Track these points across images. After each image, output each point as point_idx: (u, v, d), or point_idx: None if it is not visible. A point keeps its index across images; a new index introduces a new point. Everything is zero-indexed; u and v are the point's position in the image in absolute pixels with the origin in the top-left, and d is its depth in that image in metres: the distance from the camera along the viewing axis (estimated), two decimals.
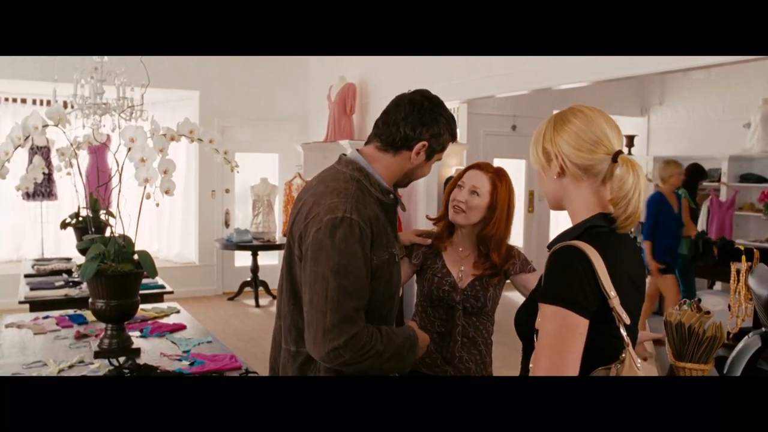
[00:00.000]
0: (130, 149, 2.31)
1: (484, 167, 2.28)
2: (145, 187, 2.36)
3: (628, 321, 1.31)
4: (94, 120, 4.19)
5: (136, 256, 2.62)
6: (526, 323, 1.43)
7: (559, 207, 1.48)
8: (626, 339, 1.32)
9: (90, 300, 2.59)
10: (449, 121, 1.86)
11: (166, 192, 2.27)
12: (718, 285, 7.23)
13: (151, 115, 2.89)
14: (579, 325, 1.29)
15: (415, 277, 2.37)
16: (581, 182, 1.42)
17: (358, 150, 1.87)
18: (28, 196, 7.17)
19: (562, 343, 1.28)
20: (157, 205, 2.25)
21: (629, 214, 1.38)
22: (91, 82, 4.11)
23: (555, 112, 1.55)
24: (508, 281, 2.34)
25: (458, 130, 8.93)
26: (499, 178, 2.25)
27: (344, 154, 1.89)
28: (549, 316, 1.30)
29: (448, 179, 6.69)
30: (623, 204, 1.37)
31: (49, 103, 6.78)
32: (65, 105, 5.04)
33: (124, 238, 2.64)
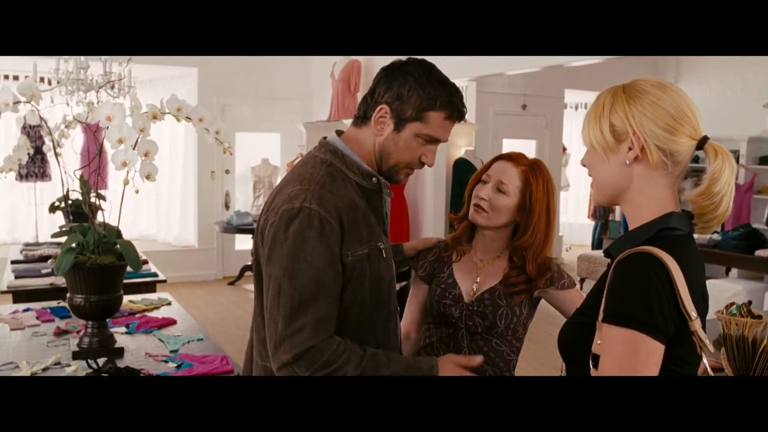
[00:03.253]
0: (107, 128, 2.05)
1: (515, 158, 1.85)
2: (128, 172, 2.11)
3: (711, 349, 1.07)
4: (78, 97, 3.93)
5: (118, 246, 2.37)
6: (575, 344, 1.18)
7: (613, 201, 1.22)
8: (709, 369, 1.08)
9: (68, 295, 2.35)
10: (427, 84, 1.47)
11: (147, 177, 2.02)
12: (734, 272, 6.99)
13: (134, 92, 2.65)
14: (655, 354, 1.05)
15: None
16: (658, 172, 1.16)
17: (337, 131, 1.61)
18: (21, 177, 6.92)
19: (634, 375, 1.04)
20: (137, 191, 1.99)
21: (719, 214, 1.13)
22: (75, 56, 3.84)
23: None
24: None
25: (465, 110, 8.64)
26: (534, 172, 1.82)
27: (325, 137, 1.61)
28: (618, 340, 1.05)
29: (457, 162, 6.43)
30: (714, 201, 1.12)
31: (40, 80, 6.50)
32: (51, 82, 4.76)
33: (106, 226, 2.39)
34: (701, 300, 1.12)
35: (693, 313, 1.05)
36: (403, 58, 1.58)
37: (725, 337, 1.47)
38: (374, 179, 1.53)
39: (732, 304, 1.91)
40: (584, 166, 1.26)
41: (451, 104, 1.50)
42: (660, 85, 1.18)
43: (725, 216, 1.15)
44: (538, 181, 1.81)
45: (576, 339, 1.18)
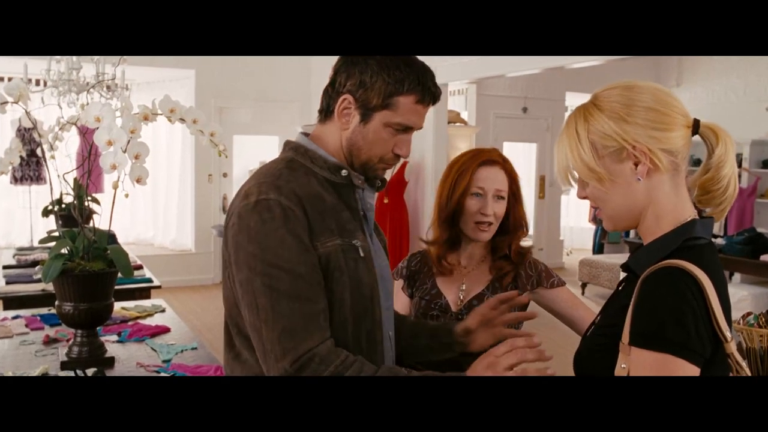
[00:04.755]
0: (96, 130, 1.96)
1: (499, 161, 1.80)
2: (119, 177, 2.03)
3: (748, 372, 0.98)
4: (70, 98, 3.84)
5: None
6: (594, 369, 1.08)
7: (632, 224, 1.11)
8: None
9: (56, 303, 2.27)
10: (391, 66, 1.31)
11: (138, 180, 1.93)
12: (736, 276, 6.91)
13: (127, 92, 2.58)
14: None
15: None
16: (669, 175, 1.08)
17: (303, 132, 1.45)
18: (16, 180, 6.83)
19: None
20: (126, 195, 1.91)
21: (728, 195, 1.07)
22: (66, 56, 3.75)
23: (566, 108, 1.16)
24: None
25: (466, 113, 8.58)
26: (510, 164, 1.82)
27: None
28: (650, 365, 0.96)
29: None
30: (723, 185, 1.06)
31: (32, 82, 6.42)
32: (46, 83, 4.68)
33: (96, 231, 2.31)
34: (728, 316, 1.04)
35: (728, 334, 0.96)
36: None
37: (748, 351, 1.39)
38: (344, 171, 1.36)
39: (749, 313, 1.82)
40: (584, 198, 1.15)
41: (422, 86, 1.33)
42: (626, 86, 1.10)
43: (734, 196, 1.09)
44: (514, 172, 1.81)
45: (595, 363, 1.09)
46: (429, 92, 1.35)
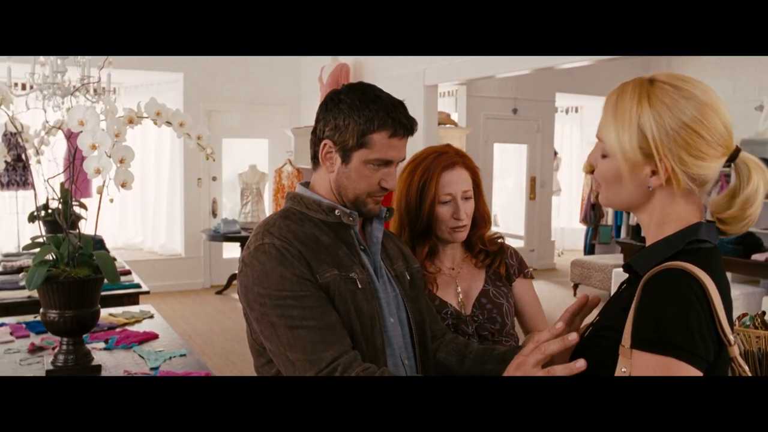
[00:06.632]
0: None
1: (459, 160, 1.78)
2: (104, 181, 1.99)
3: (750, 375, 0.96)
4: (55, 102, 3.79)
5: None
6: (593, 371, 1.06)
7: (627, 209, 1.10)
8: None
9: (41, 310, 2.22)
10: (360, 107, 1.40)
11: (123, 185, 1.90)
12: (728, 276, 6.92)
13: (113, 96, 2.52)
14: None
15: None
16: (682, 191, 1.04)
17: (305, 181, 1.61)
18: (2, 185, 6.76)
19: None
20: (111, 200, 1.87)
21: (748, 226, 1.03)
22: (51, 59, 3.69)
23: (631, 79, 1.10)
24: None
25: (456, 114, 8.55)
26: (468, 159, 1.81)
27: None
28: (653, 369, 0.94)
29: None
30: (746, 223, 1.03)
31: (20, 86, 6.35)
32: (32, 87, 4.62)
33: (82, 237, 2.26)
34: (731, 320, 1.02)
35: (731, 337, 0.94)
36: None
37: (746, 354, 1.36)
38: (337, 212, 1.47)
39: (744, 314, 1.80)
40: (589, 173, 1.13)
41: (392, 120, 1.41)
42: (680, 81, 1.03)
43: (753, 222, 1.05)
44: (474, 166, 1.81)
45: (594, 365, 1.06)
46: (400, 125, 1.42)
